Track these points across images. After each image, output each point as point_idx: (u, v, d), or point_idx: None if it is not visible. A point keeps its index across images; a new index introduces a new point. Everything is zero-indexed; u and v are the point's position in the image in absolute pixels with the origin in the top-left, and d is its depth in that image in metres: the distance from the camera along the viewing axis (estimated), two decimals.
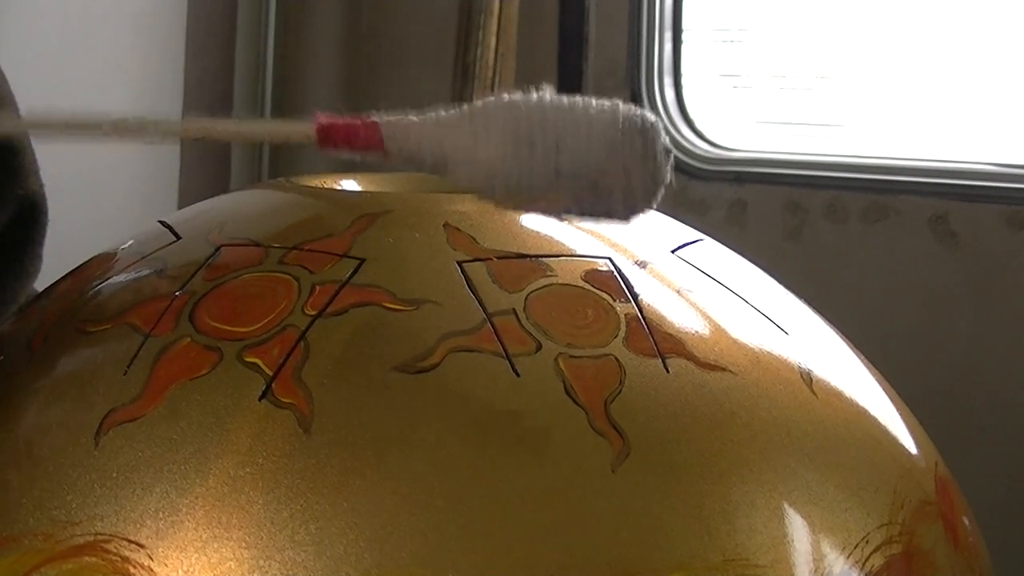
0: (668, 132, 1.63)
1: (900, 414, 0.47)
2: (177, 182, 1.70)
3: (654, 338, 0.41)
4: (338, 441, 0.37)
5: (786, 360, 0.43)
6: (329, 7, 1.93)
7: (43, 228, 0.62)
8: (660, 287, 0.44)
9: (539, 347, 0.39)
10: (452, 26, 1.70)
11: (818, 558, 0.39)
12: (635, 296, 0.43)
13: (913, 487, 0.43)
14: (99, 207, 1.53)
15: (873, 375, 0.48)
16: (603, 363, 0.40)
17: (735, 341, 0.43)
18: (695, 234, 0.50)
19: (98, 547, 0.37)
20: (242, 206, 0.51)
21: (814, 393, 0.43)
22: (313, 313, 0.40)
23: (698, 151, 1.62)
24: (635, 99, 1.67)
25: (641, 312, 0.42)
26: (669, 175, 0.39)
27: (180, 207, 0.56)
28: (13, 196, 0.60)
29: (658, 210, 0.52)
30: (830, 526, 0.39)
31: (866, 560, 0.40)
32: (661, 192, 0.39)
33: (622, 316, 0.41)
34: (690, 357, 0.41)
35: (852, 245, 1.47)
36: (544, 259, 0.43)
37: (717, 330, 0.43)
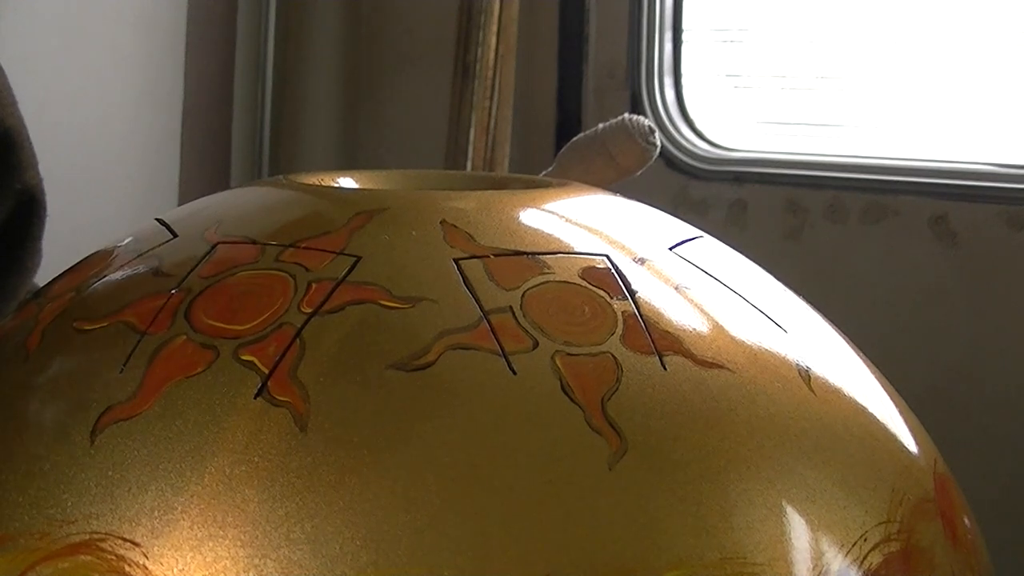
0: (668, 132, 1.63)
1: (899, 412, 0.47)
2: (177, 179, 1.70)
3: (651, 336, 0.41)
4: (334, 439, 0.37)
5: (784, 357, 0.43)
6: (329, 7, 1.93)
7: (42, 222, 0.63)
8: (658, 284, 0.44)
9: (536, 345, 0.39)
10: (452, 26, 1.70)
11: (816, 556, 0.38)
12: (632, 293, 0.42)
13: (912, 485, 0.43)
14: (101, 204, 1.53)
15: (872, 373, 0.48)
16: (600, 361, 0.39)
17: (733, 338, 0.43)
18: (693, 231, 0.50)
19: (93, 546, 0.37)
20: (239, 203, 0.51)
21: (812, 391, 0.43)
22: (309, 311, 0.40)
23: (698, 151, 1.62)
24: (635, 99, 1.66)
25: (638, 309, 0.42)
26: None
27: (180, 204, 0.56)
28: (12, 191, 0.60)
29: (657, 209, 0.53)
30: (828, 524, 0.39)
31: (864, 558, 0.39)
32: None
33: (619, 313, 0.41)
34: (688, 354, 0.41)
35: (852, 245, 1.47)
36: (541, 256, 0.43)
37: (715, 327, 0.43)
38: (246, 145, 1.85)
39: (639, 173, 0.63)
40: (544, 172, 0.65)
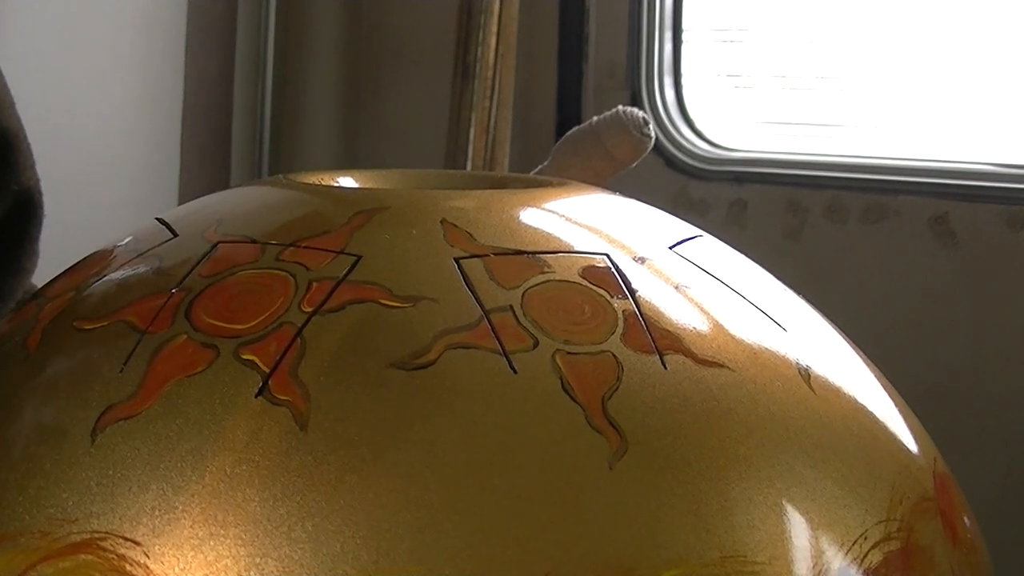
0: (668, 132, 1.63)
1: (898, 410, 0.47)
2: (177, 179, 1.70)
3: (652, 334, 0.41)
4: (335, 438, 0.37)
5: (784, 356, 0.43)
6: (329, 7, 1.93)
7: (39, 223, 0.63)
8: (658, 283, 0.44)
9: (536, 344, 0.39)
10: (452, 26, 1.70)
11: (816, 555, 0.39)
12: (633, 292, 0.42)
13: (911, 483, 0.43)
14: (101, 204, 1.53)
15: (871, 372, 0.48)
16: (600, 360, 0.39)
17: (733, 337, 0.43)
18: (693, 230, 0.50)
19: (94, 545, 0.37)
20: (239, 203, 0.51)
21: (812, 389, 0.43)
22: (310, 310, 0.40)
23: (698, 151, 1.62)
24: (635, 99, 1.67)
25: (639, 308, 0.42)
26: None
27: (180, 204, 0.56)
28: (9, 192, 0.60)
29: (658, 208, 0.52)
30: (828, 522, 0.39)
31: (864, 556, 0.39)
32: None
33: (619, 312, 0.41)
34: (688, 353, 0.41)
35: (852, 245, 1.47)
36: (541, 255, 0.43)
37: (715, 326, 0.43)
38: (246, 145, 1.85)
39: (634, 165, 0.62)
40: (539, 166, 0.65)
